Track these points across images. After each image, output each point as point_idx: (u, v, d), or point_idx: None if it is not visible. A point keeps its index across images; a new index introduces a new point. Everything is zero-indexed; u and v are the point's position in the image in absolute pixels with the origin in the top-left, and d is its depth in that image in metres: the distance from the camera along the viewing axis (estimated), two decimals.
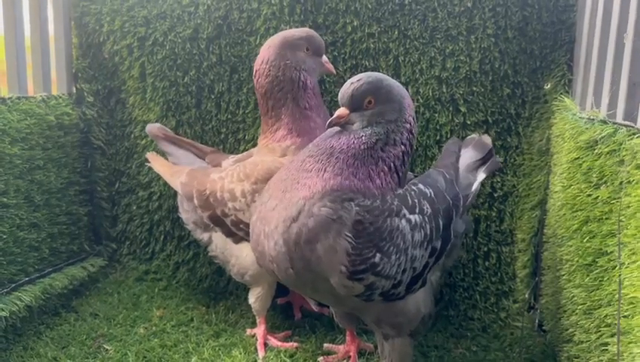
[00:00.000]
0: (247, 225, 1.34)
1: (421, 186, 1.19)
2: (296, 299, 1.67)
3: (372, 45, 1.65)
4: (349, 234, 1.05)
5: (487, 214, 1.65)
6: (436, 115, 1.64)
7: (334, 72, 1.48)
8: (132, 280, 1.83)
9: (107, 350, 1.44)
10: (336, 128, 1.16)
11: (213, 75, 1.73)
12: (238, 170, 1.42)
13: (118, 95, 1.82)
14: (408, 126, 1.15)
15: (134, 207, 1.87)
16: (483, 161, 1.36)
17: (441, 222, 1.18)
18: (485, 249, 1.65)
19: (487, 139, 1.39)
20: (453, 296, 1.66)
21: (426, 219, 1.15)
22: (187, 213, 1.55)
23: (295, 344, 1.48)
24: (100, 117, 1.83)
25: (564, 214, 1.32)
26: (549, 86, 1.59)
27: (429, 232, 1.15)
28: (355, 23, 1.65)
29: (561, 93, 1.54)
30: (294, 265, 1.08)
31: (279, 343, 1.48)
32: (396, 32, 1.64)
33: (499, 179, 1.64)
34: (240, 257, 1.45)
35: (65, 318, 1.58)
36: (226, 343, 1.49)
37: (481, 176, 1.36)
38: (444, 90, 1.63)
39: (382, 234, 1.08)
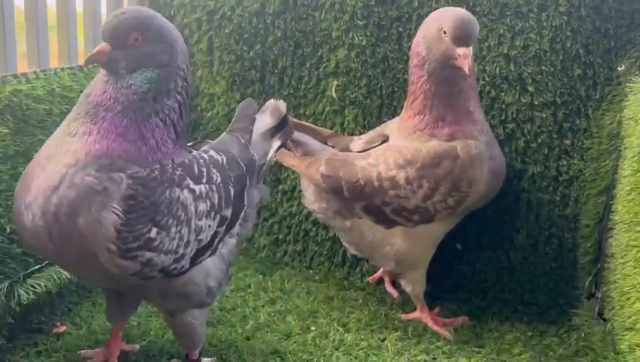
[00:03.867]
0: (410, 210, 1.37)
1: (212, 153, 1.15)
2: (387, 274, 1.67)
3: None
4: (118, 208, 0.96)
5: (550, 198, 1.61)
6: (502, 93, 1.60)
7: (465, 70, 1.29)
8: None
9: None
10: (103, 79, 1.03)
11: (277, 49, 1.75)
12: (393, 156, 1.38)
13: None
14: (182, 73, 1.06)
15: None
16: (277, 129, 1.31)
17: (232, 190, 1.15)
18: (546, 234, 1.61)
19: (283, 106, 1.32)
20: (510, 279, 1.64)
21: (214, 188, 1.11)
22: (323, 203, 1.48)
23: (465, 317, 1.51)
24: None
25: (633, 199, 1.27)
26: (623, 67, 1.52)
27: (217, 201, 1.11)
28: None
29: (636, 75, 1.47)
30: (54, 241, 0.97)
31: (447, 320, 1.49)
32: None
33: (565, 163, 1.59)
34: (395, 244, 1.43)
35: None
36: (280, 309, 1.53)
37: (277, 144, 1.32)
38: (512, 69, 1.59)
39: (159, 207, 1.00)
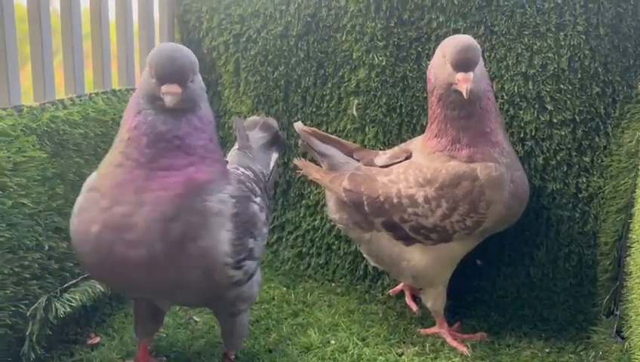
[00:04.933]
0: (429, 229, 1.41)
1: (242, 170, 1.27)
2: (408, 288, 1.70)
3: None
4: (231, 225, 1.07)
5: (570, 215, 1.62)
6: (521, 112, 1.62)
7: (464, 94, 1.31)
8: None
9: (196, 322, 1.58)
10: (160, 117, 1.06)
11: (300, 70, 1.81)
12: (413, 174, 1.43)
13: (215, 88, 1.96)
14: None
15: None
16: (273, 142, 1.51)
17: (266, 200, 1.32)
18: (566, 250, 1.62)
19: (273, 122, 1.53)
20: (530, 296, 1.65)
21: (260, 199, 1.25)
22: (344, 214, 1.53)
23: (484, 333, 1.53)
24: None
25: None
26: None
27: (266, 211, 1.27)
28: (441, 19, 1.66)
29: None
30: (178, 266, 1.04)
31: (466, 336, 1.52)
32: (482, 28, 1.63)
33: (584, 180, 1.60)
34: (412, 260, 1.47)
35: None
36: (302, 322, 1.58)
37: (275, 155, 1.51)
38: (530, 87, 1.60)
39: (251, 220, 1.16)
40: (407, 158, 1.51)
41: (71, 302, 1.38)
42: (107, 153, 1.14)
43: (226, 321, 1.27)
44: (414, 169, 1.44)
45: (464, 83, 1.31)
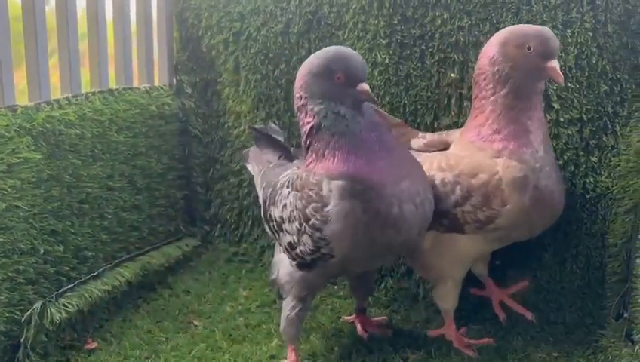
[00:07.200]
0: (439, 214, 1.38)
1: None
2: (495, 294, 1.63)
3: (462, 38, 1.63)
4: None
5: (577, 216, 1.58)
6: None
7: (560, 81, 1.32)
8: (222, 260, 1.94)
9: (196, 326, 1.55)
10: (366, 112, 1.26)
11: None
12: (438, 160, 1.42)
13: (214, 87, 1.93)
14: None
15: (226, 193, 1.98)
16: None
17: None
18: (574, 252, 1.59)
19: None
20: (537, 298, 1.62)
21: None
22: None
23: (490, 339, 1.49)
24: (198, 107, 1.95)
25: None
26: None
27: None
28: (445, 16, 1.63)
29: None
30: (429, 218, 1.32)
31: (473, 341, 1.48)
32: (488, 25, 1.60)
33: (592, 180, 1.56)
34: (424, 245, 1.44)
35: (160, 293, 1.71)
36: (305, 327, 1.54)
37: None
38: None
39: None
40: (444, 149, 1.48)
41: (67, 306, 1.35)
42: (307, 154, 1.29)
43: (372, 275, 1.58)
44: (442, 156, 1.43)
45: (558, 70, 1.32)
